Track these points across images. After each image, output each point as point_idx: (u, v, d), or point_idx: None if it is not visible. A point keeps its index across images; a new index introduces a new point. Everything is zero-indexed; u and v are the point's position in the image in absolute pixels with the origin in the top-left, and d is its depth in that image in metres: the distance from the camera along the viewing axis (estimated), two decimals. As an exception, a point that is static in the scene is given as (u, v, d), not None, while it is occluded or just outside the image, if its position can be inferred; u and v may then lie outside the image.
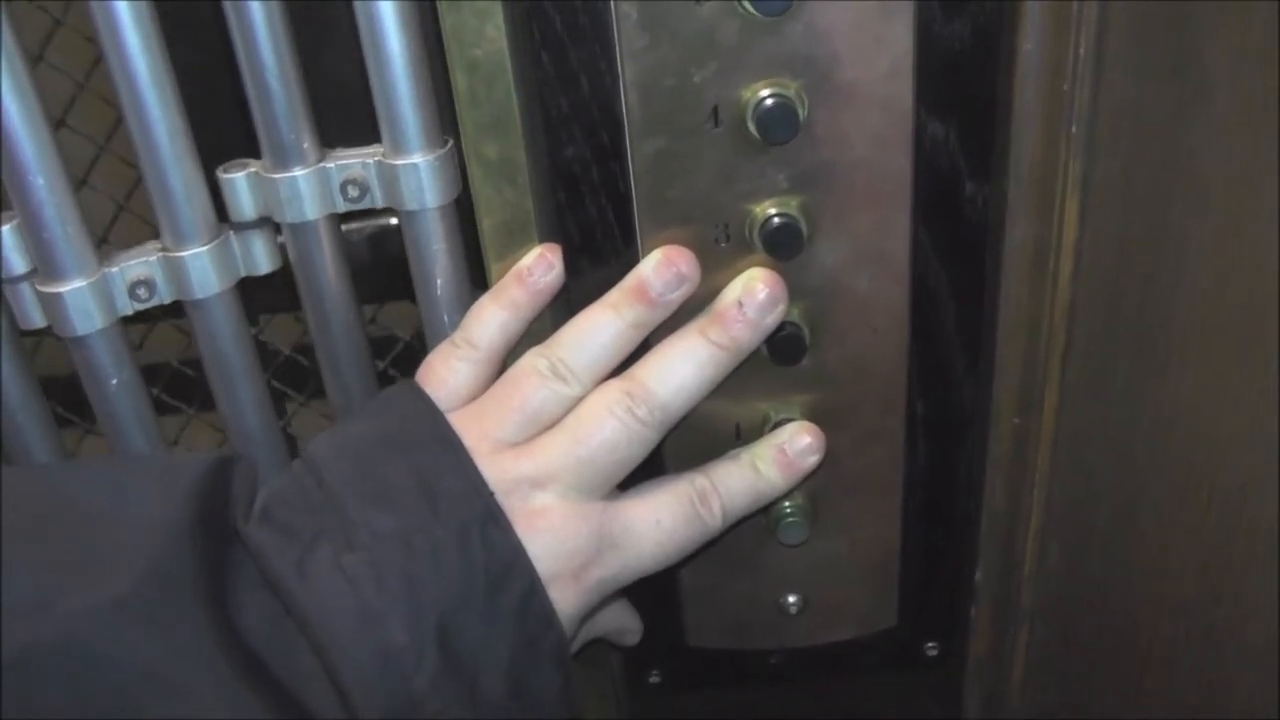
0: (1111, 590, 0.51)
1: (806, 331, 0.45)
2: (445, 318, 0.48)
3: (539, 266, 0.45)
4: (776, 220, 0.43)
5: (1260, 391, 0.43)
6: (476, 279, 0.48)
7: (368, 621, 0.39)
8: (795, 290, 0.45)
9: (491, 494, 0.42)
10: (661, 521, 0.45)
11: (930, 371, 0.48)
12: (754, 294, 0.44)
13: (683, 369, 0.44)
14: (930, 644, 0.56)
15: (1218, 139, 0.40)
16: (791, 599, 0.52)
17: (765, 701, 0.58)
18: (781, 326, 0.45)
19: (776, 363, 0.46)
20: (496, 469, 0.42)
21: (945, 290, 0.46)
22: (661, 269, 0.44)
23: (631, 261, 0.44)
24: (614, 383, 0.44)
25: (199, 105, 0.45)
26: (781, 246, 0.43)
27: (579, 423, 0.43)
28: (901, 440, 0.49)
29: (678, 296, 0.44)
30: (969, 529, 0.52)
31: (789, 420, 0.47)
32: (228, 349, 0.49)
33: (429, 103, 0.44)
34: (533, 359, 0.44)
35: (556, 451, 0.43)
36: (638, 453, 0.44)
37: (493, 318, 0.45)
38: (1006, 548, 0.52)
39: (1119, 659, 0.52)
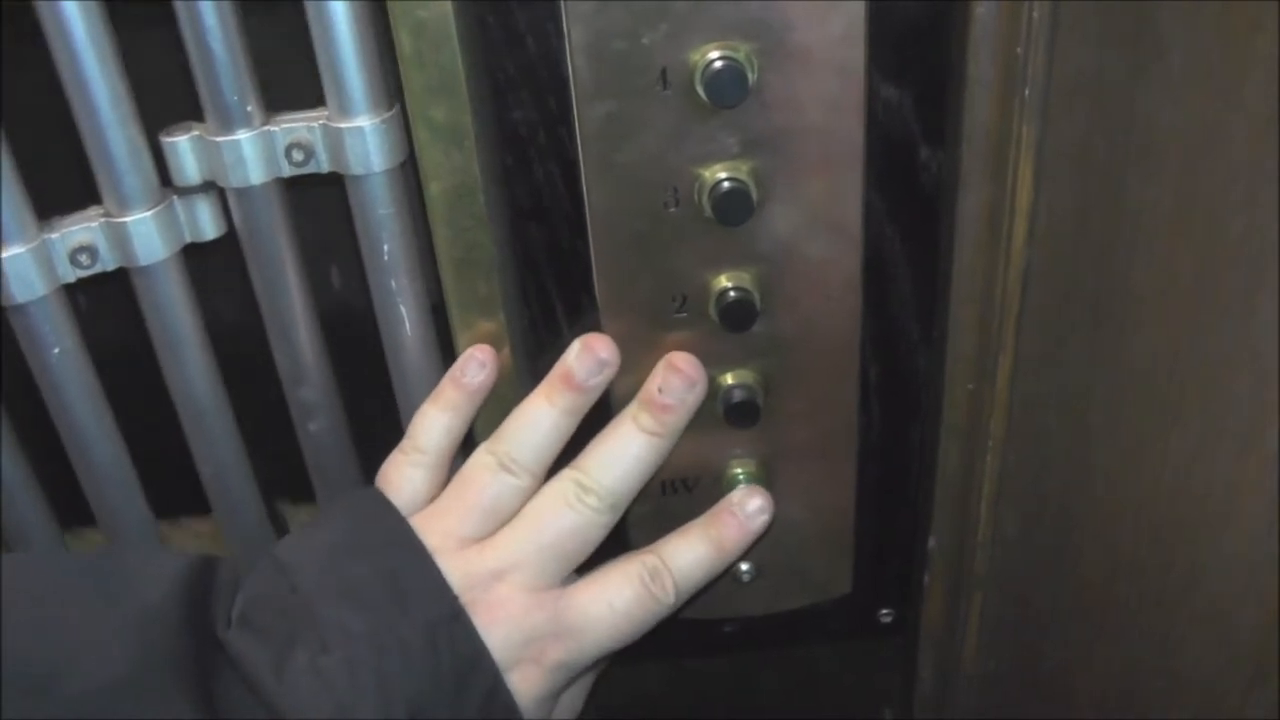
0: (1065, 555, 0.51)
1: (757, 297, 0.45)
2: (393, 283, 0.47)
3: (469, 367, 0.47)
4: (726, 185, 0.42)
5: (1213, 356, 0.43)
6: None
7: (344, 717, 0.40)
8: (746, 256, 0.44)
9: (456, 597, 0.44)
10: (614, 604, 0.46)
11: (884, 337, 0.47)
12: (669, 380, 0.46)
13: (624, 458, 0.47)
14: (885, 611, 0.56)
15: (1172, 104, 0.40)
16: (744, 567, 0.52)
17: (721, 670, 0.58)
18: (731, 291, 0.45)
19: (727, 329, 0.45)
20: (462, 565, 0.45)
21: (899, 256, 0.46)
22: (583, 357, 0.46)
23: (580, 225, 0.44)
24: (566, 474, 0.47)
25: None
26: (730, 211, 0.43)
27: (538, 514, 0.46)
28: (855, 407, 0.49)
29: (602, 380, 0.46)
30: (923, 496, 0.52)
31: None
32: (174, 317, 0.48)
33: (374, 65, 0.43)
34: (481, 456, 0.47)
35: (518, 542, 0.46)
36: (596, 535, 0.47)
37: (434, 422, 0.48)
38: (960, 515, 0.52)
39: (1072, 624, 0.53)
